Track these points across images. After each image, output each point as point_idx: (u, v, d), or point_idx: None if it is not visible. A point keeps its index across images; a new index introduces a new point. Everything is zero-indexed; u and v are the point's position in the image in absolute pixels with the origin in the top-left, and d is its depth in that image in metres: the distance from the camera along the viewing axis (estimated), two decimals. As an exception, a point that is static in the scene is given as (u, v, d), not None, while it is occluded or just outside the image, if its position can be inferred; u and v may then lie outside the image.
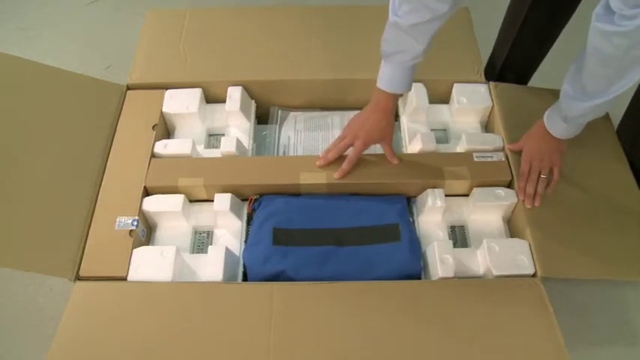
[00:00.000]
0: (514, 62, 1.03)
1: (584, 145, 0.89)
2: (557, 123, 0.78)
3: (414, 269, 0.79)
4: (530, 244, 0.79)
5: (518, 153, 0.87)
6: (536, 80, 1.08)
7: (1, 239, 0.74)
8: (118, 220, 0.81)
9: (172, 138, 0.97)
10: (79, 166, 0.86)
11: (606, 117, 0.95)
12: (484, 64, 1.05)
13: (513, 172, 0.86)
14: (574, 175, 0.86)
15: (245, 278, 0.81)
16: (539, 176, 0.82)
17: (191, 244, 0.86)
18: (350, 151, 0.85)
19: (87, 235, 0.80)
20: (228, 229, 0.86)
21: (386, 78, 0.80)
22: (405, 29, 0.72)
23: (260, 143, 1.00)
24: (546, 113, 0.81)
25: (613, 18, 0.59)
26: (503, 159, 0.88)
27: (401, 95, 0.86)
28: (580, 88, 0.70)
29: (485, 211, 0.87)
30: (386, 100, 0.82)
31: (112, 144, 0.90)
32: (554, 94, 0.80)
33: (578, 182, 0.85)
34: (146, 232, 0.85)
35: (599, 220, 0.82)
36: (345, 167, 0.84)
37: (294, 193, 0.87)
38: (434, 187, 0.86)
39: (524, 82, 1.07)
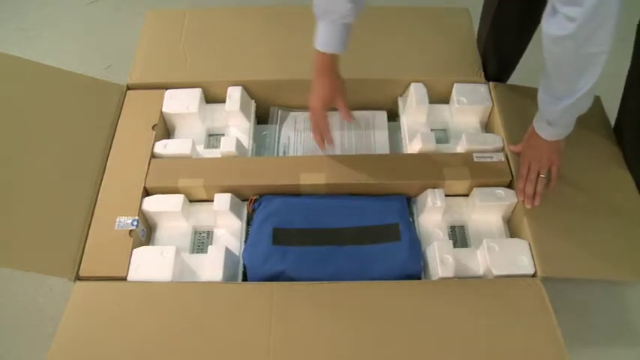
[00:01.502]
0: (494, 57, 1.03)
1: (584, 145, 0.90)
2: (544, 127, 0.79)
3: (414, 269, 0.79)
4: (530, 244, 0.79)
5: (518, 154, 0.87)
6: (536, 80, 1.07)
7: (1, 239, 0.74)
8: (118, 220, 0.81)
9: (172, 138, 0.97)
10: (79, 166, 0.86)
11: (603, 117, 0.95)
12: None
13: (513, 173, 0.86)
14: (574, 176, 0.86)
15: (245, 278, 0.81)
16: (538, 176, 0.82)
17: (191, 244, 0.86)
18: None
19: (87, 235, 0.80)
20: (228, 229, 0.86)
21: (321, 38, 0.81)
22: None
23: (260, 143, 1.00)
24: (534, 119, 0.81)
25: (558, 21, 0.61)
26: (503, 159, 0.88)
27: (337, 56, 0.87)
28: (550, 92, 0.73)
29: (486, 211, 0.87)
30: (325, 62, 0.83)
31: (112, 144, 0.90)
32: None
33: (578, 182, 0.85)
34: (146, 232, 0.85)
35: (599, 220, 0.82)
36: (327, 136, 0.86)
37: (294, 193, 0.87)
38: (434, 187, 0.86)
39: (505, 79, 1.07)
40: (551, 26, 0.64)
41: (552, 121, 0.76)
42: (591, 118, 0.93)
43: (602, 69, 0.65)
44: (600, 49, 0.62)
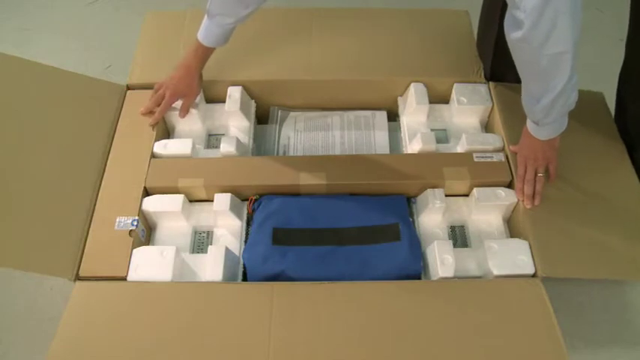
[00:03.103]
0: (500, 70, 1.03)
1: (584, 144, 0.90)
2: (533, 127, 0.79)
3: (414, 269, 0.79)
4: (530, 244, 0.79)
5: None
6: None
7: (1, 239, 0.74)
8: (118, 220, 0.81)
9: (172, 138, 0.97)
10: (79, 166, 0.86)
11: (606, 113, 0.95)
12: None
13: (513, 173, 0.86)
14: (574, 175, 0.86)
15: (245, 278, 0.81)
16: (536, 175, 0.82)
17: (191, 244, 0.86)
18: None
19: (87, 235, 0.80)
20: (228, 229, 0.86)
21: (208, 33, 0.86)
22: None
23: (260, 143, 1.00)
24: (527, 120, 0.81)
25: (511, 24, 0.62)
26: (503, 159, 0.88)
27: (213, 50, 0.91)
28: (528, 93, 0.73)
29: (486, 211, 0.87)
30: (199, 54, 0.89)
31: (112, 144, 0.90)
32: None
33: (578, 182, 0.85)
34: (146, 232, 0.85)
35: (600, 220, 0.82)
36: (157, 116, 0.92)
37: (294, 193, 0.87)
38: (434, 187, 0.86)
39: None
40: (507, 28, 0.64)
41: (538, 121, 0.76)
42: (593, 115, 0.94)
43: (571, 67, 0.64)
44: (562, 49, 0.61)
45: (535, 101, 0.72)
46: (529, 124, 0.80)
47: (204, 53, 0.89)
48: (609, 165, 0.89)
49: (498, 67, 1.01)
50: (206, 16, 0.85)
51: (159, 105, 0.92)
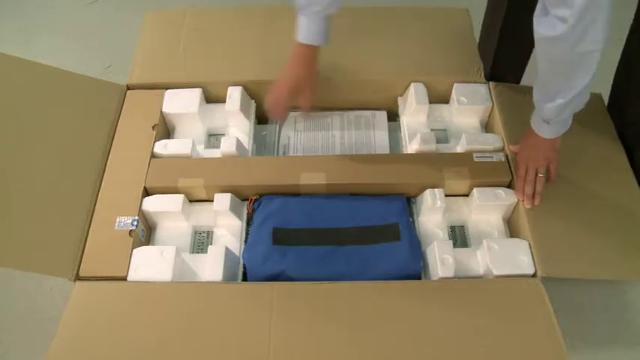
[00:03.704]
0: (505, 61, 1.03)
1: (584, 144, 0.90)
2: (541, 125, 0.78)
3: (414, 269, 0.79)
4: (530, 244, 0.79)
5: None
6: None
7: (1, 239, 0.74)
8: (118, 220, 0.81)
9: (172, 138, 0.97)
10: (79, 166, 0.86)
11: (605, 114, 0.95)
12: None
13: (513, 173, 0.86)
14: (574, 175, 0.86)
15: (245, 278, 0.81)
16: (536, 175, 0.82)
17: (191, 244, 0.86)
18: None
19: (87, 235, 0.80)
20: (228, 229, 0.86)
21: (303, 30, 0.82)
22: None
23: (260, 143, 1.00)
24: (531, 118, 0.81)
25: (549, 22, 0.61)
26: (503, 159, 0.88)
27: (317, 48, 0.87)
28: (545, 91, 0.73)
29: (486, 211, 0.87)
30: (305, 54, 0.84)
31: (112, 144, 0.90)
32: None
33: (579, 182, 0.85)
34: (146, 232, 0.85)
35: (600, 220, 0.82)
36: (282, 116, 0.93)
37: (294, 193, 0.87)
38: (434, 187, 0.86)
39: (519, 79, 1.06)
40: (542, 27, 0.64)
41: (549, 120, 0.76)
42: (592, 116, 0.94)
43: (597, 66, 0.65)
44: (594, 47, 0.62)
45: (551, 99, 0.72)
46: (535, 123, 0.80)
47: (309, 52, 0.84)
48: (608, 165, 0.89)
49: (499, 67, 1.01)
50: (298, 14, 0.81)
51: (284, 106, 0.89)
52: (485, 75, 0.99)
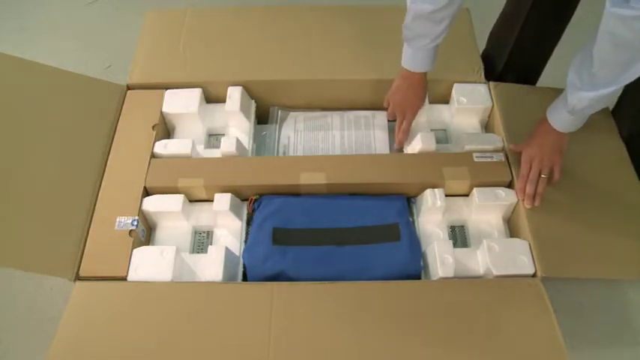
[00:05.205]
0: (516, 65, 1.03)
1: (585, 143, 0.89)
2: (562, 116, 0.77)
3: (414, 269, 0.79)
4: (530, 244, 0.79)
5: (518, 153, 0.87)
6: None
7: (1, 239, 0.74)
8: (118, 220, 0.81)
9: (172, 138, 0.97)
10: (79, 166, 0.86)
11: (607, 114, 0.95)
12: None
13: (513, 172, 0.86)
14: (574, 175, 0.86)
15: (245, 278, 0.81)
16: (539, 176, 0.82)
17: (191, 244, 0.86)
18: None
19: (87, 235, 0.80)
20: (228, 229, 0.86)
21: (409, 60, 0.84)
22: (425, 15, 0.75)
23: (260, 143, 1.00)
24: (549, 108, 0.80)
25: (629, 2, 0.58)
26: (503, 159, 0.88)
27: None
28: (588, 78, 0.70)
29: (486, 211, 0.87)
30: (414, 78, 0.87)
31: (112, 144, 0.90)
32: (554, 93, 0.79)
33: (579, 182, 0.85)
34: (146, 232, 0.85)
35: (600, 220, 0.82)
36: (401, 138, 0.93)
37: (294, 193, 0.87)
38: (434, 187, 0.86)
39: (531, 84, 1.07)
40: (621, 5, 0.59)
41: (577, 110, 0.74)
42: (593, 116, 0.93)
43: None
44: None
45: (593, 88, 0.69)
46: (554, 114, 0.78)
47: (418, 76, 0.87)
48: (609, 165, 0.89)
49: (510, 65, 1.01)
50: (405, 43, 0.84)
51: (407, 132, 0.92)
52: (492, 69, 0.99)
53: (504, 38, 1.01)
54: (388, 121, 0.99)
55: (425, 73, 0.87)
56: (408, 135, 0.93)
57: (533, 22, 0.94)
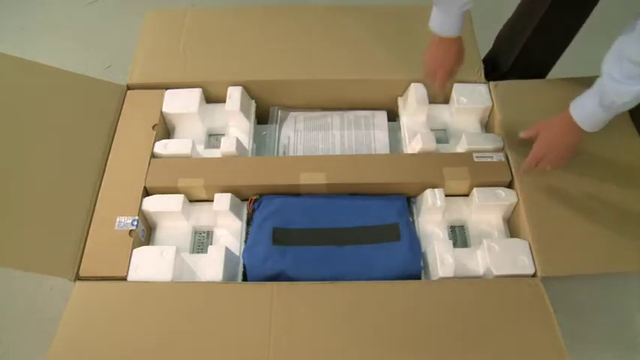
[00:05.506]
0: (524, 66, 1.02)
1: (585, 142, 0.89)
2: (593, 112, 0.71)
3: (414, 269, 0.79)
4: (530, 244, 0.79)
5: (519, 152, 0.86)
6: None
7: (1, 239, 0.74)
8: (118, 220, 0.81)
9: (172, 138, 0.97)
10: (79, 166, 0.86)
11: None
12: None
13: (513, 173, 0.86)
14: (574, 174, 0.86)
15: (245, 278, 0.81)
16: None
17: (191, 244, 0.86)
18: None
19: (87, 235, 0.80)
20: (228, 229, 0.86)
21: (438, 24, 0.81)
22: None
23: (260, 143, 1.00)
24: (575, 102, 0.74)
25: None
26: (503, 159, 0.88)
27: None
28: (628, 71, 0.64)
29: (486, 211, 0.87)
30: (440, 42, 0.83)
31: (112, 144, 0.90)
32: (558, 87, 0.78)
33: (579, 182, 0.85)
34: (146, 232, 0.85)
35: (600, 220, 0.82)
36: (437, 92, 0.89)
37: (294, 193, 0.87)
38: (434, 187, 0.86)
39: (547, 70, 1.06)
40: None
41: (611, 106, 0.68)
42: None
43: None
44: None
45: (636, 83, 0.65)
46: (581, 110, 0.73)
47: (446, 41, 0.83)
48: (610, 166, 0.88)
49: (526, 58, 1.00)
50: (434, 7, 0.80)
51: (443, 79, 0.87)
52: (496, 65, 0.99)
53: (514, 38, 1.00)
54: (388, 121, 0.98)
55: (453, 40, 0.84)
56: (443, 91, 0.88)
57: (548, 23, 0.93)
